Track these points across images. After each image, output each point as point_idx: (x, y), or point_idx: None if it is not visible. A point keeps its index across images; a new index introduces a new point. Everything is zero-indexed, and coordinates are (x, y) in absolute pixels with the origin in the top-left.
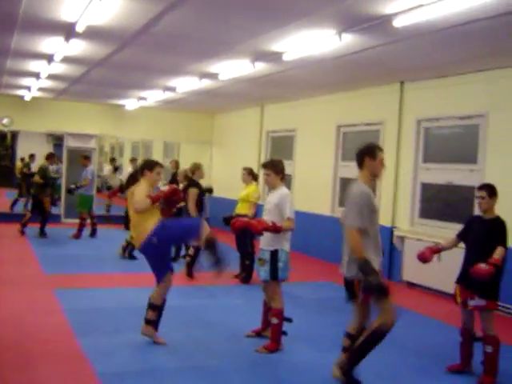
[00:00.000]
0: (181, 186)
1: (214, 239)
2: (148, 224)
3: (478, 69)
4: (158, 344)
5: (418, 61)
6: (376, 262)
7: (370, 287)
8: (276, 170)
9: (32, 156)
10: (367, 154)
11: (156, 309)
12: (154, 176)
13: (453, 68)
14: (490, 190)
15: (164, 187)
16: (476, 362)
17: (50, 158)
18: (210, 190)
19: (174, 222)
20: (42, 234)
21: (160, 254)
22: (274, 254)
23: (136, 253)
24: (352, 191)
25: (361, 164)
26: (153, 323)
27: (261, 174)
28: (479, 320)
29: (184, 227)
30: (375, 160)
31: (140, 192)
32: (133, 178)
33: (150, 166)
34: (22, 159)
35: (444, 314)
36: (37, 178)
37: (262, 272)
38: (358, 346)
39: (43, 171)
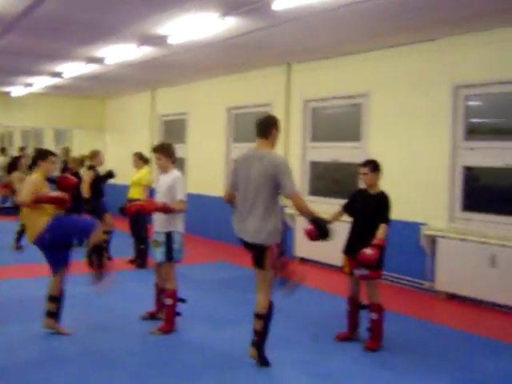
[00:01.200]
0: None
1: (101, 246)
2: (40, 219)
3: (361, 50)
4: (62, 334)
5: (304, 43)
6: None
7: (327, 233)
8: (166, 153)
9: None
10: (275, 125)
11: (55, 300)
12: (48, 165)
13: (337, 49)
14: (373, 166)
15: (55, 192)
16: (362, 328)
17: None
18: (111, 174)
19: (69, 220)
20: None
21: (54, 247)
22: (169, 236)
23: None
24: (274, 158)
25: (267, 134)
26: (54, 315)
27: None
28: (365, 288)
29: (77, 227)
30: (278, 131)
31: (28, 186)
32: (13, 166)
33: (42, 155)
34: None
35: (333, 286)
36: None
37: (157, 254)
38: (262, 330)
39: None
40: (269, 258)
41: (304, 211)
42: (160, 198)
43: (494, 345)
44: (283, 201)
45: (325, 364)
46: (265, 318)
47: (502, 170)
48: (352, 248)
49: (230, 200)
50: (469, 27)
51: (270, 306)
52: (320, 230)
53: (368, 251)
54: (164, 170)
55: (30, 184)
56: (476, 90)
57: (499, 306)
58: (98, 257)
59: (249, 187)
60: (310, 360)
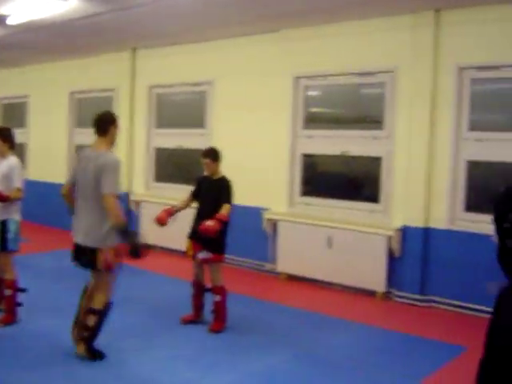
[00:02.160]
0: None
1: None
2: None
3: (207, 38)
4: None
5: (149, 28)
6: None
7: (136, 248)
8: (3, 137)
9: None
10: (112, 122)
11: None
12: None
13: (183, 36)
14: (213, 156)
15: None
16: (207, 311)
17: None
18: None
19: None
20: None
21: None
22: (3, 225)
23: None
24: (105, 159)
25: (105, 131)
26: None
27: None
28: (208, 272)
29: None
30: (117, 128)
31: None
32: None
33: None
34: None
35: (178, 271)
36: None
37: None
38: (95, 325)
39: None
40: (101, 260)
41: (114, 216)
42: None
43: (331, 321)
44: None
45: (170, 347)
46: (100, 314)
47: (337, 157)
48: (196, 232)
49: (67, 197)
50: (307, 20)
51: (107, 305)
52: (131, 246)
53: (209, 222)
54: (0, 155)
55: None
56: (316, 81)
57: (335, 284)
58: None
59: (84, 188)
60: (155, 344)
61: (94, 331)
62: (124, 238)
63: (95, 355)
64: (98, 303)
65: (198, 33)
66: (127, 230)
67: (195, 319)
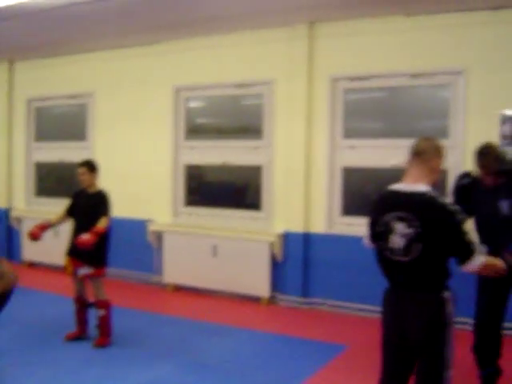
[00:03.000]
0: None
1: None
2: None
3: (86, 49)
4: None
5: (25, 40)
6: None
7: None
8: None
9: None
10: None
11: None
12: None
13: (61, 48)
14: (89, 166)
15: None
16: (91, 326)
17: None
18: None
19: None
20: None
21: None
22: None
23: None
24: None
25: None
26: None
27: None
28: (91, 287)
29: None
30: None
31: None
32: None
33: None
34: None
35: (62, 288)
36: None
37: None
38: None
39: None
40: None
41: None
42: None
43: (217, 328)
44: None
45: (53, 364)
46: None
47: (220, 166)
48: (74, 248)
49: None
50: (188, 32)
51: None
52: None
53: (85, 236)
54: None
55: None
56: (197, 92)
57: (222, 292)
58: None
59: None
60: (39, 362)
61: None
62: None
63: None
64: None
65: (76, 44)
66: None
67: (80, 335)
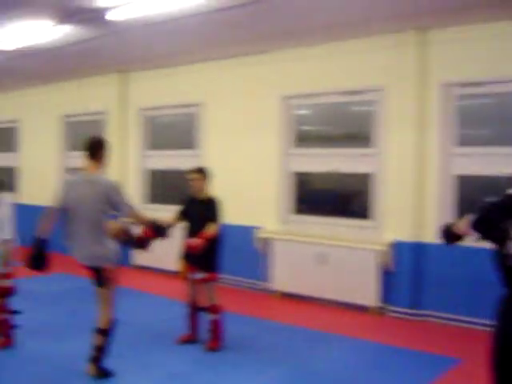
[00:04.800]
0: None
1: None
2: None
3: (197, 60)
4: None
5: (139, 52)
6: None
7: (163, 232)
8: None
9: None
10: (104, 147)
11: None
12: None
13: (172, 59)
14: (201, 173)
15: None
16: (203, 330)
17: None
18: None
19: None
20: None
21: None
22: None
23: None
24: (104, 182)
25: (96, 156)
26: None
27: None
28: (203, 291)
29: None
30: (107, 151)
31: None
32: None
33: None
34: None
35: (172, 291)
36: None
37: None
38: (103, 345)
39: None
40: (108, 278)
41: (143, 221)
42: None
43: (325, 337)
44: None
45: (168, 366)
46: (106, 334)
47: (327, 174)
48: (188, 253)
49: (49, 219)
50: (298, 41)
51: (112, 322)
52: (156, 229)
53: (194, 240)
54: None
55: None
56: (304, 100)
57: (328, 300)
58: None
59: (81, 212)
60: (154, 364)
61: (103, 351)
62: (153, 226)
63: (105, 374)
64: (103, 323)
65: (188, 55)
66: (154, 222)
67: (191, 339)
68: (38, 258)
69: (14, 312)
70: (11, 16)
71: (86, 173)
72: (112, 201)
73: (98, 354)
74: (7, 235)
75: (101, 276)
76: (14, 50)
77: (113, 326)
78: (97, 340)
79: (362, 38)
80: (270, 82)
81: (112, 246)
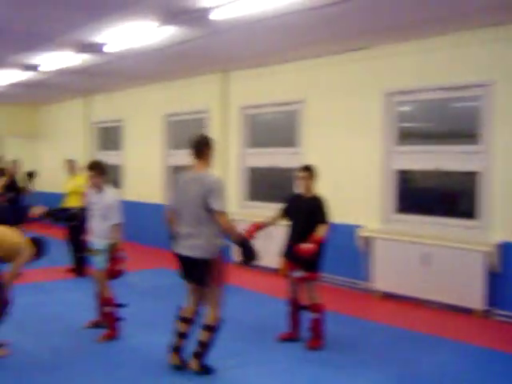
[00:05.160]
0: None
1: None
2: None
3: (297, 58)
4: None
5: (239, 51)
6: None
7: (253, 256)
8: (102, 171)
9: None
10: (210, 146)
11: None
12: None
13: (272, 57)
14: (309, 171)
15: None
16: (304, 328)
17: None
18: (31, 174)
19: None
20: None
21: None
22: (112, 246)
23: None
24: (209, 180)
25: (202, 154)
26: None
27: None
28: (304, 289)
29: None
30: (213, 150)
31: None
32: None
33: None
34: None
35: (271, 289)
36: None
37: (98, 262)
38: (208, 341)
39: None
40: (209, 273)
41: (229, 231)
42: (98, 218)
43: (429, 339)
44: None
45: (269, 364)
46: (212, 330)
47: (432, 172)
48: (290, 251)
49: (170, 221)
50: (399, 36)
51: (219, 320)
52: (245, 252)
53: (305, 245)
54: (98, 187)
55: None
56: (407, 97)
57: (431, 302)
58: None
59: (187, 208)
60: (254, 361)
61: (207, 347)
62: (242, 248)
63: (207, 370)
64: (210, 319)
65: (288, 53)
66: (244, 241)
67: (292, 337)
68: (252, 255)
69: (120, 305)
70: (117, 18)
71: (193, 171)
72: (208, 198)
73: (202, 350)
74: (115, 220)
75: (203, 273)
76: (119, 52)
77: (219, 324)
78: (202, 336)
79: (465, 31)
80: (371, 79)
81: (217, 242)
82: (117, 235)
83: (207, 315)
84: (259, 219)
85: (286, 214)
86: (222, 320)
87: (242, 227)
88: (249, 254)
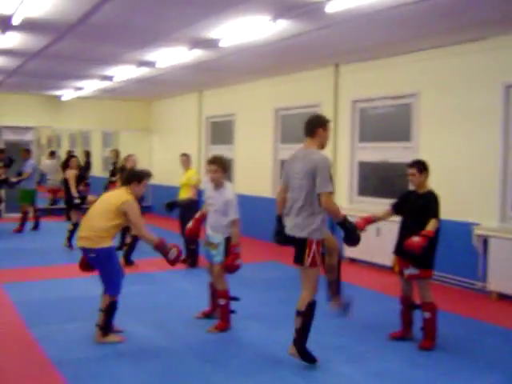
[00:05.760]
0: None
1: None
2: (106, 238)
3: (410, 50)
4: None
5: (352, 44)
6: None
7: (355, 239)
8: (223, 167)
9: None
10: (321, 124)
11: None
12: (141, 188)
13: (385, 50)
14: (420, 167)
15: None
16: (416, 328)
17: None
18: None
19: (114, 266)
20: None
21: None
22: (228, 240)
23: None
24: (315, 157)
25: (313, 133)
26: (102, 328)
27: (202, 162)
28: (417, 288)
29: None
30: (326, 131)
31: (136, 213)
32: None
33: (139, 177)
34: None
35: (383, 286)
36: None
37: (214, 255)
38: (302, 327)
39: None
40: (309, 254)
41: (332, 213)
42: (215, 213)
43: None
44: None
45: (379, 363)
46: (304, 316)
47: None
48: (401, 248)
49: (280, 200)
50: None
51: (311, 304)
52: (347, 235)
53: (415, 238)
54: (217, 183)
55: (136, 211)
56: None
57: None
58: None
59: (293, 185)
60: (365, 358)
61: (302, 332)
62: (345, 231)
63: (306, 358)
64: (301, 305)
65: (401, 45)
66: (348, 223)
67: (404, 335)
68: (355, 237)
69: (232, 298)
70: (231, 13)
71: (302, 148)
72: (313, 176)
73: (298, 337)
74: (234, 216)
75: (302, 251)
76: (232, 47)
77: (311, 309)
78: (296, 322)
79: None
80: (490, 71)
81: (320, 223)
82: (235, 230)
83: (299, 300)
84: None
85: (398, 209)
86: (315, 304)
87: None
88: (351, 237)
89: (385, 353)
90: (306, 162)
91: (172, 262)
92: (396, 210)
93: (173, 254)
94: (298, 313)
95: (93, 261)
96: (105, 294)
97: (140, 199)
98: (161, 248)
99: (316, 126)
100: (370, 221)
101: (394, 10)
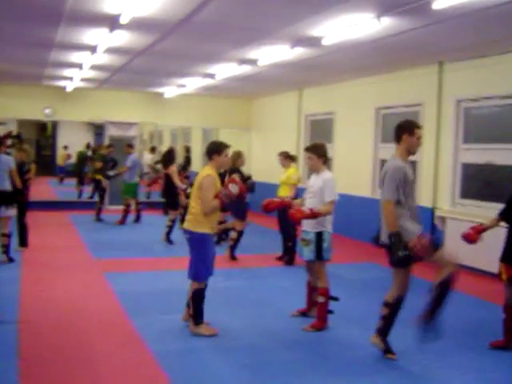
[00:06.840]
0: None
1: None
2: (206, 223)
3: None
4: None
5: (457, 41)
6: (415, 227)
7: (394, 257)
8: (318, 153)
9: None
10: (406, 130)
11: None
12: (223, 159)
13: (492, 48)
14: None
15: (232, 186)
16: None
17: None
18: (249, 178)
19: (208, 255)
20: (98, 219)
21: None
22: (319, 235)
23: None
24: (387, 167)
25: (398, 139)
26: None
27: (301, 156)
28: None
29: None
30: (413, 136)
31: (208, 190)
32: (168, 158)
33: (218, 149)
34: (66, 147)
35: (486, 293)
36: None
37: (306, 252)
38: (386, 316)
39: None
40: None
41: (386, 221)
42: (312, 198)
43: None
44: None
45: (481, 371)
46: (389, 307)
47: None
48: (509, 255)
49: None
50: None
51: (398, 298)
52: (390, 249)
53: None
54: (315, 169)
55: (209, 188)
56: None
57: None
58: None
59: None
60: (460, 365)
61: (385, 321)
62: (390, 244)
63: (388, 351)
64: (389, 296)
65: (507, 43)
66: (396, 239)
67: (506, 345)
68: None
69: (332, 298)
70: (335, 11)
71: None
72: (383, 184)
73: (381, 325)
74: (328, 197)
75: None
76: (334, 44)
77: (399, 303)
78: (381, 310)
79: None
80: None
81: (410, 228)
82: (328, 210)
83: (388, 292)
84: (473, 218)
85: (506, 215)
86: (402, 300)
87: (460, 229)
88: (392, 253)
89: (483, 361)
90: (383, 169)
91: (235, 195)
92: (503, 217)
93: (233, 188)
94: (385, 303)
95: (188, 242)
96: (188, 278)
97: (241, 197)
98: (224, 198)
99: (401, 132)
100: (480, 230)
101: (502, 7)
